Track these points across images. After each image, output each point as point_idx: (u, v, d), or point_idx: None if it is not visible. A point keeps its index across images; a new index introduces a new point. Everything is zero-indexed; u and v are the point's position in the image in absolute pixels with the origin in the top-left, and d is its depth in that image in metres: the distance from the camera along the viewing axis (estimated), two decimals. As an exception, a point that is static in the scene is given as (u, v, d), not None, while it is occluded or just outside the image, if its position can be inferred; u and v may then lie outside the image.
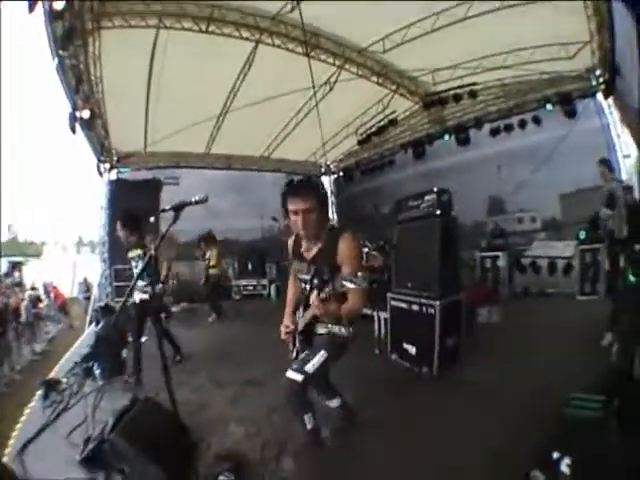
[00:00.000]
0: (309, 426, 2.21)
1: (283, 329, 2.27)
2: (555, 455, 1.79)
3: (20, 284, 13.19)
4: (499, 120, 8.32)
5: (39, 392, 3.58)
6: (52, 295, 12.17)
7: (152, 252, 2.09)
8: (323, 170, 12.77)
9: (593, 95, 7.02)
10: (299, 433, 2.40)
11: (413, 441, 2.49)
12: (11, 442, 2.78)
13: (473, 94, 7.56)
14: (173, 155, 10.44)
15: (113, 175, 9.75)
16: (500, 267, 7.24)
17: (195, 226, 8.86)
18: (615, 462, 1.69)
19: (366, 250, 6.36)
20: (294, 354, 2.25)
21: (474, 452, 2.29)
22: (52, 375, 4.19)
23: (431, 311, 3.62)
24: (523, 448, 2.09)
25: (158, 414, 2.60)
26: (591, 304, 5.86)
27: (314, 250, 2.11)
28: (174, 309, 8.41)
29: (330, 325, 2.14)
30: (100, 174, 9.40)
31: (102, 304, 7.18)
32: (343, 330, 2.12)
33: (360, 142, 9.42)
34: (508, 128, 8.14)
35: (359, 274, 1.65)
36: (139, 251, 3.88)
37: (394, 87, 8.07)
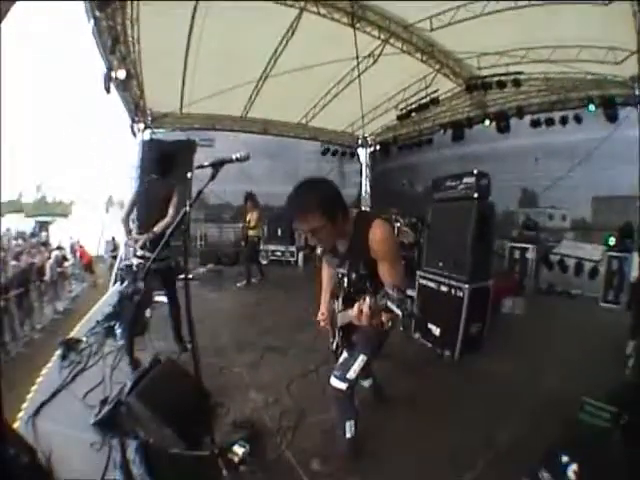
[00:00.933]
0: (349, 434, 2.09)
1: (320, 317, 2.16)
2: (564, 459, 1.82)
3: (46, 243, 13.58)
4: (541, 113, 8.13)
5: (57, 352, 3.50)
6: (78, 254, 12.47)
7: (187, 209, 2.07)
8: (360, 142, 12.62)
9: (636, 104, 6.78)
10: (317, 406, 2.41)
11: (425, 426, 2.50)
12: (24, 405, 2.65)
13: (517, 83, 7.31)
14: (208, 117, 10.37)
15: (147, 135, 9.78)
16: (528, 259, 7.14)
17: (228, 188, 8.93)
18: (620, 475, 1.71)
19: (398, 225, 6.32)
20: (334, 347, 2.11)
21: (485, 443, 2.28)
22: (73, 334, 4.09)
23: (460, 294, 3.58)
24: (533, 445, 2.09)
25: (177, 377, 2.52)
26: (613, 313, 5.73)
27: (345, 243, 1.86)
28: (201, 270, 8.53)
29: None
30: (134, 134, 9.46)
31: (127, 263, 7.29)
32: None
33: (399, 117, 9.18)
34: (549, 122, 7.96)
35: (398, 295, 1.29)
36: None
37: (438, 66, 7.81)
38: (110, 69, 6.31)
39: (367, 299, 1.39)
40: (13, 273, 7.57)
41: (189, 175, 2.86)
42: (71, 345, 3.62)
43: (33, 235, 15.96)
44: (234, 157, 2.08)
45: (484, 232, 3.69)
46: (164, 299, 4.44)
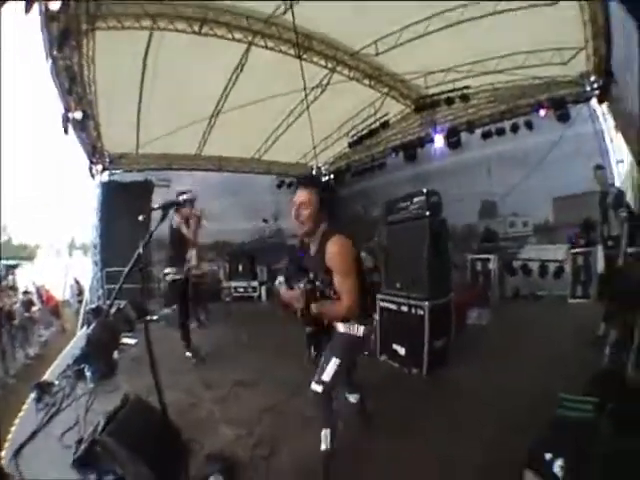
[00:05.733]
0: (323, 446, 2.14)
1: (293, 300, 2.11)
2: (547, 456, 1.80)
3: (13, 287, 13.06)
4: (491, 124, 8.34)
5: (32, 395, 3.55)
6: (44, 298, 12.06)
7: (140, 251, 2.14)
8: (314, 172, 12.72)
9: (587, 100, 7.02)
10: (291, 435, 2.41)
11: (404, 442, 2.48)
12: (6, 445, 2.77)
13: (465, 97, 7.59)
14: (165, 157, 10.40)
15: (105, 177, 9.70)
16: (491, 270, 7.24)
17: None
18: (608, 463, 1.69)
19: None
20: (310, 354, 2.29)
21: (464, 453, 2.29)
22: (45, 378, 4.11)
23: (420, 312, 3.63)
24: (514, 449, 2.08)
25: (148, 414, 2.57)
26: (582, 307, 5.86)
27: (314, 246, 2.14)
28: (166, 311, 8.33)
29: (342, 325, 2.12)
30: (92, 176, 9.36)
31: (93, 306, 7.12)
32: (357, 329, 2.10)
33: (351, 144, 9.42)
34: (500, 132, 8.17)
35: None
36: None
37: (386, 90, 8.09)
38: (67, 110, 6.29)
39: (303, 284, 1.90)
40: None
41: (141, 218, 2.88)
42: (44, 388, 3.67)
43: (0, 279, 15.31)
44: (181, 199, 2.22)
45: (439, 248, 3.78)
46: (130, 341, 5.08)
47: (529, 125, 7.78)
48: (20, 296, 10.79)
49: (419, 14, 5.96)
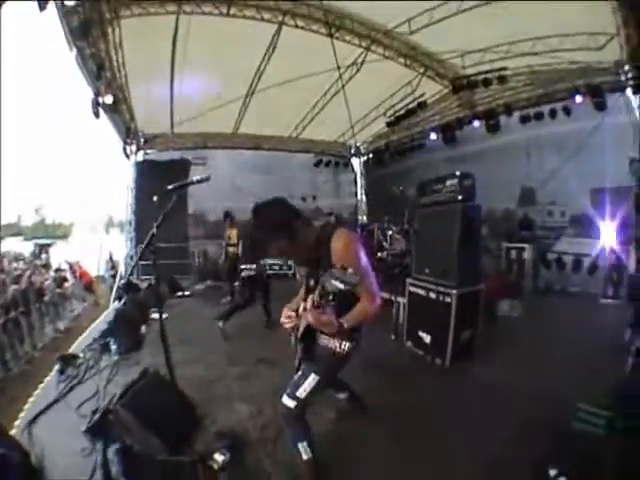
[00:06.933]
0: (305, 456, 1.92)
1: (285, 319, 1.90)
2: (552, 472, 1.80)
3: (47, 265, 13.66)
4: (529, 108, 7.99)
5: (56, 367, 3.67)
6: (78, 274, 12.54)
7: (154, 231, 2.28)
8: (353, 151, 12.61)
9: (622, 90, 6.57)
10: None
11: (413, 436, 2.44)
12: (21, 415, 2.84)
13: (502, 79, 7.25)
14: (200, 135, 10.46)
15: (140, 156, 9.91)
16: (525, 260, 7.00)
17: (226, 205, 9.04)
18: None
19: (390, 233, 6.40)
20: (296, 362, 1.95)
21: (473, 454, 2.21)
22: (71, 351, 4.28)
23: (448, 300, 3.52)
24: (522, 457, 2.04)
25: (164, 389, 2.67)
26: (613, 308, 5.60)
27: (313, 254, 1.84)
28: (199, 286, 8.60)
29: (327, 338, 1.84)
30: (127, 156, 9.57)
31: (125, 281, 7.28)
32: (342, 345, 1.83)
33: (389, 124, 9.18)
34: (538, 116, 7.83)
35: (349, 270, 1.32)
36: None
37: (422, 70, 7.81)
38: (97, 95, 6.38)
39: (316, 292, 1.43)
40: (12, 295, 7.64)
41: (155, 199, 2.87)
42: (68, 360, 3.79)
43: (34, 257, 16.05)
44: (195, 179, 2.20)
45: (470, 235, 3.61)
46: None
47: (567, 110, 7.40)
48: (52, 273, 11.29)
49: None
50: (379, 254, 6.46)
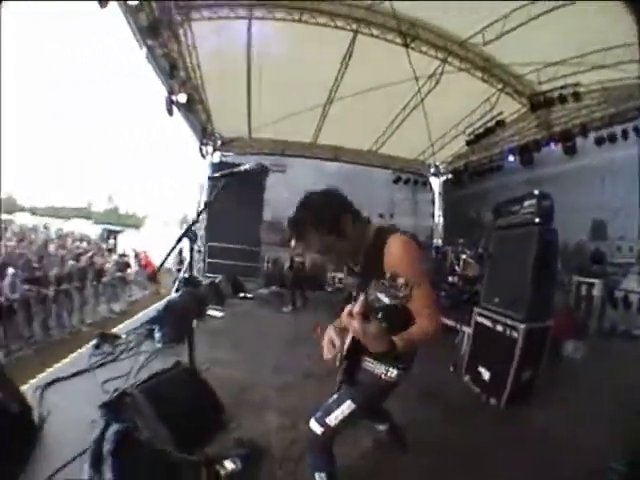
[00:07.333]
0: None
1: (326, 346, 1.57)
2: None
3: (111, 250, 14.73)
4: (602, 128, 7.33)
5: (93, 342, 3.76)
6: (143, 263, 13.30)
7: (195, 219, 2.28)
8: (433, 171, 12.27)
9: None
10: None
11: (451, 474, 2.22)
12: (42, 375, 2.90)
13: (577, 96, 6.65)
14: (278, 143, 10.57)
15: (216, 157, 10.30)
16: (594, 297, 6.32)
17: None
18: None
19: (464, 257, 6.10)
20: (337, 385, 1.63)
21: None
22: (115, 330, 4.41)
23: (514, 335, 3.10)
24: None
25: (191, 385, 2.60)
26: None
27: (361, 261, 1.59)
28: (263, 291, 8.83)
29: (372, 362, 1.59)
30: (203, 156, 9.99)
31: (187, 275, 7.59)
32: (389, 372, 1.57)
33: (468, 142, 8.84)
34: (612, 138, 7.18)
35: (399, 281, 1.00)
36: None
37: (500, 86, 7.38)
38: (171, 93, 6.72)
39: (361, 298, 1.12)
40: (69, 270, 8.22)
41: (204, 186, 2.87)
42: (108, 338, 3.88)
43: (100, 240, 17.40)
44: (243, 168, 2.12)
45: (546, 263, 3.19)
46: (216, 314, 5.83)
47: (638, 131, 6.71)
48: (114, 257, 12.09)
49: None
50: (450, 278, 6.19)
